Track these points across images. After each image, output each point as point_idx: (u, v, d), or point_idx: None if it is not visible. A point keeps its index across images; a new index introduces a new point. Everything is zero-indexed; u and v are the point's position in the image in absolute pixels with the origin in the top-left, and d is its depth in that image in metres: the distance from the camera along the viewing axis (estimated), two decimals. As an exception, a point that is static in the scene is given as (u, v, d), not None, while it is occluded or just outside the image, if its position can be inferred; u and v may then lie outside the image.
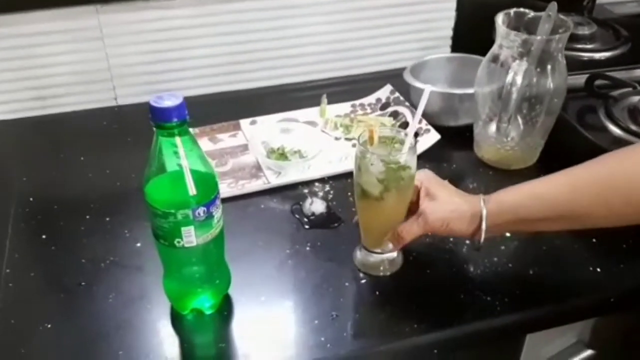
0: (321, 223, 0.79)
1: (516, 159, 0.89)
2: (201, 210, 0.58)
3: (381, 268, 0.72)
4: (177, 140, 0.55)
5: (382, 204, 0.66)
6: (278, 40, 1.08)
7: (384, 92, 1.05)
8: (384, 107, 1.03)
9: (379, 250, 0.71)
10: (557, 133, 0.88)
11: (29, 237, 0.77)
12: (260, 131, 0.95)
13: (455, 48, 1.19)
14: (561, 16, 0.82)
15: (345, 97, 1.07)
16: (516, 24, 0.84)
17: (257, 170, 0.88)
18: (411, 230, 0.67)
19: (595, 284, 0.71)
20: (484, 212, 0.64)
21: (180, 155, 0.56)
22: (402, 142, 0.67)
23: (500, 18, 0.83)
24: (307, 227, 0.79)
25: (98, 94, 1.04)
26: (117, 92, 1.04)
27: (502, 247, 0.75)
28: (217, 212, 0.60)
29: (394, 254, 0.72)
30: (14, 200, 0.83)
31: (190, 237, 0.58)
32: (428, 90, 0.68)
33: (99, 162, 0.91)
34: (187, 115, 0.55)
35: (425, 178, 0.68)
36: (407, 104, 1.00)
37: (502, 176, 0.89)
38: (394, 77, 1.04)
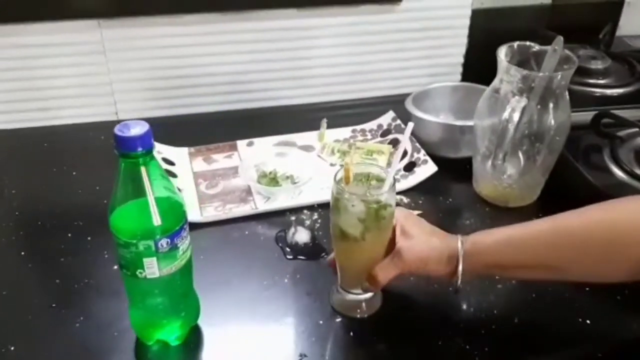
0: (304, 253, 0.77)
1: (514, 197, 0.85)
2: (164, 241, 0.56)
3: (358, 310, 0.69)
4: (142, 170, 0.54)
5: (361, 244, 0.63)
6: (282, 62, 1.06)
7: (386, 118, 1.03)
8: (385, 134, 1.01)
9: (356, 291, 0.68)
10: (559, 172, 0.84)
11: (7, 254, 0.76)
12: (255, 154, 0.93)
13: (466, 75, 1.16)
14: (567, 52, 0.78)
15: (348, 121, 1.05)
16: (521, 58, 0.81)
17: (246, 194, 0.86)
18: (387, 271, 0.64)
19: (582, 337, 0.67)
20: (461, 253, 0.62)
21: (145, 185, 0.54)
22: (378, 179, 0.64)
23: (502, 51, 0.80)
24: (289, 257, 0.77)
25: (99, 107, 1.03)
26: (117, 107, 1.04)
27: (488, 291, 0.72)
28: (183, 243, 0.58)
29: (371, 294, 0.69)
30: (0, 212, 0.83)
31: (153, 268, 0.57)
32: (410, 127, 0.66)
33: (90, 178, 0.90)
34: (153, 144, 0.53)
35: (401, 216, 0.66)
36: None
37: (500, 213, 0.85)
38: (400, 103, 1.01)
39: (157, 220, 0.55)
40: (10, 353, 0.62)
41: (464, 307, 0.70)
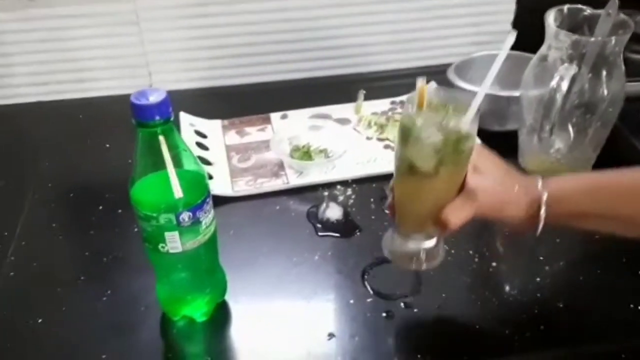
0: (336, 230, 0.74)
1: (563, 172, 0.79)
2: (186, 215, 0.54)
3: (415, 260, 0.60)
4: (161, 139, 0.51)
5: (433, 181, 0.53)
6: (319, 30, 1.03)
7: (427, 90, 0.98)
8: (426, 106, 0.96)
9: (418, 237, 0.59)
10: (612, 146, 0.78)
11: (39, 225, 0.76)
12: (289, 127, 0.90)
13: (515, 43, 1.09)
14: (622, 15, 0.72)
15: (386, 92, 1.00)
16: (571, 22, 0.75)
17: (279, 168, 0.84)
18: (461, 212, 0.54)
19: (633, 326, 0.62)
20: (544, 199, 0.55)
21: (165, 156, 0.52)
22: (456, 107, 0.55)
23: (551, 15, 0.74)
24: (320, 234, 0.74)
25: (134, 79, 1.02)
26: (152, 78, 1.03)
27: (534, 273, 0.67)
28: (206, 217, 0.56)
29: (433, 243, 0.59)
30: (32, 184, 0.83)
31: (175, 242, 0.55)
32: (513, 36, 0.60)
33: (123, 151, 0.87)
34: (171, 112, 0.51)
35: (474, 151, 0.55)
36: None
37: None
38: (443, 74, 0.96)
39: (178, 192, 0.53)
40: (38, 325, 0.62)
41: (506, 289, 0.66)
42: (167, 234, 0.54)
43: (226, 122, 0.94)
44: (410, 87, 1.02)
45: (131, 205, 0.55)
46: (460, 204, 0.54)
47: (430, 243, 0.59)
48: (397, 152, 0.55)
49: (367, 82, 1.04)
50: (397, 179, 0.57)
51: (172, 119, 0.51)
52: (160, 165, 0.52)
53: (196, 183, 0.55)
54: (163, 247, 0.55)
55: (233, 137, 0.91)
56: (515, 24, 1.06)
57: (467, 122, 0.52)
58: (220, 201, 0.77)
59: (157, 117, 0.50)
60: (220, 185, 0.80)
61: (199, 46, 1.01)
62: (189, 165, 0.55)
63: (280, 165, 0.84)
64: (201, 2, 0.97)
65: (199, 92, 1.03)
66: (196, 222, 0.55)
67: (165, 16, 0.98)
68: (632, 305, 0.63)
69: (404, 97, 0.99)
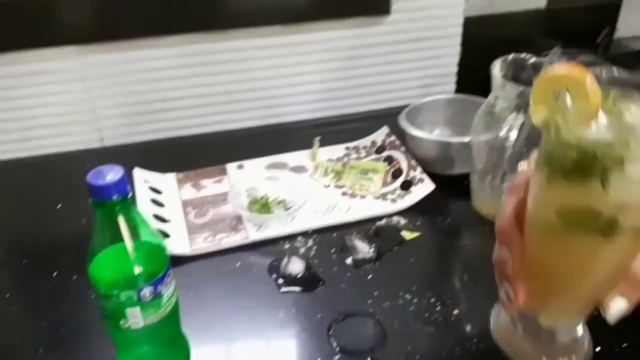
0: (299, 284, 0.74)
1: (516, 214, 0.82)
2: (147, 290, 0.53)
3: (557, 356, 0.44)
4: (120, 217, 0.51)
5: (623, 239, 0.37)
6: (270, 80, 1.04)
7: (380, 134, 1.00)
8: (379, 150, 0.97)
9: (562, 326, 0.44)
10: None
11: (-9, 296, 0.73)
12: (246, 177, 0.90)
13: (462, 85, 1.12)
14: (565, 62, 0.75)
15: (341, 137, 1.02)
16: (516, 71, 0.78)
17: (237, 222, 0.83)
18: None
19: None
20: None
21: (124, 233, 0.51)
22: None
23: (497, 66, 0.76)
24: (283, 289, 0.74)
25: (83, 135, 1.01)
26: (102, 134, 1.01)
27: (493, 320, 0.69)
28: (168, 289, 0.55)
29: (580, 331, 0.45)
30: (-18, 253, 0.80)
31: (137, 318, 0.54)
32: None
33: (76, 210, 0.87)
34: (129, 190, 0.50)
35: None
36: (402, 149, 0.94)
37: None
38: (394, 116, 0.98)
39: (137, 268, 0.52)
40: (-8, 409, 0.60)
41: (469, 335, 0.67)
42: (128, 311, 0.53)
43: (181, 175, 0.93)
44: (365, 131, 1.04)
45: (89, 282, 0.54)
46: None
47: (577, 332, 0.45)
48: (540, 199, 0.39)
49: (321, 127, 1.06)
50: (545, 241, 0.40)
51: (129, 195, 0.51)
52: (118, 241, 0.51)
53: (156, 256, 0.54)
54: (124, 323, 0.54)
55: (189, 191, 0.90)
56: (461, 67, 1.10)
57: None
58: (178, 260, 0.76)
59: (115, 196, 0.49)
60: (178, 244, 0.79)
61: (148, 99, 1.00)
62: (148, 237, 0.54)
63: (239, 219, 0.84)
64: (147, 56, 0.96)
65: (153, 145, 1.02)
66: (158, 296, 0.54)
67: (112, 72, 0.97)
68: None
69: (358, 142, 1.00)
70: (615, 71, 0.38)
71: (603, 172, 0.34)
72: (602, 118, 0.36)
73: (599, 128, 0.35)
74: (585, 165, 0.35)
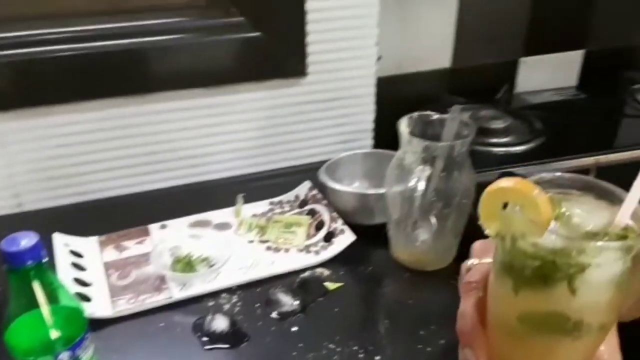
0: (224, 341, 0.75)
1: (431, 260, 0.87)
2: (65, 355, 0.53)
3: None
4: (35, 283, 0.51)
5: (577, 338, 0.38)
6: (192, 140, 1.06)
7: (303, 188, 1.03)
8: (302, 204, 1.01)
9: None
10: (471, 232, 0.86)
11: None
12: (169, 237, 0.91)
13: (379, 140, 1.18)
14: (465, 119, 0.82)
15: (265, 193, 1.04)
16: (422, 127, 0.84)
17: (160, 282, 0.83)
18: None
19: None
20: None
21: (39, 299, 0.51)
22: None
23: (404, 123, 0.82)
24: (207, 347, 0.74)
25: (1, 200, 0.99)
26: (21, 199, 1.00)
27: (416, 358, 0.72)
28: (86, 353, 0.55)
29: None
30: None
31: (55, 384, 0.53)
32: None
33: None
34: (43, 255, 0.51)
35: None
36: (324, 202, 0.98)
37: (418, 278, 0.86)
38: (316, 170, 1.01)
39: (55, 333, 0.52)
40: None
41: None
42: (45, 377, 0.52)
43: (103, 237, 0.92)
44: (288, 186, 1.07)
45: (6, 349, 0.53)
46: None
47: None
48: (500, 307, 0.40)
49: (245, 184, 1.08)
50: (509, 342, 0.41)
51: (45, 260, 0.51)
52: (34, 307, 0.51)
53: (74, 320, 0.54)
54: (42, 390, 0.53)
55: (111, 254, 0.89)
56: (377, 123, 1.16)
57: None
58: (100, 324, 0.75)
59: (29, 262, 0.49)
60: (100, 307, 0.78)
61: (70, 163, 1.00)
62: (66, 301, 0.54)
63: (162, 279, 0.84)
64: (67, 121, 0.97)
65: (74, 208, 1.01)
66: (76, 360, 0.54)
67: (31, 137, 0.96)
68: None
69: (281, 197, 1.03)
70: (548, 174, 0.41)
71: (569, 278, 0.35)
72: (553, 225, 0.37)
73: (552, 235, 0.36)
74: (548, 273, 0.36)
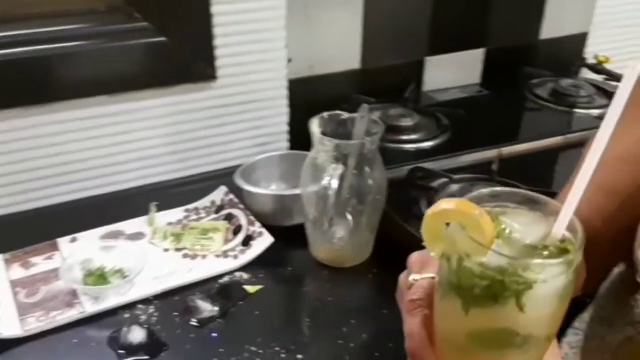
0: (141, 353, 0.73)
1: (349, 257, 0.88)
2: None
3: None
4: None
5: (525, 350, 0.40)
6: (100, 149, 1.02)
7: (218, 193, 1.02)
8: (219, 209, 0.99)
9: None
10: (385, 227, 0.89)
11: None
12: (79, 251, 0.87)
13: (295, 141, 1.19)
14: (373, 117, 0.84)
15: (180, 200, 1.02)
16: (334, 126, 0.85)
17: (72, 297, 0.80)
18: None
19: None
20: None
21: None
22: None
23: (315, 123, 0.83)
24: (124, 360, 0.72)
25: None
26: None
27: (339, 354, 0.72)
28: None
29: None
30: None
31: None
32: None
33: None
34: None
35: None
36: (241, 206, 0.97)
37: (338, 274, 0.87)
38: (232, 175, 1.00)
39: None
40: None
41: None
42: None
43: (8, 255, 0.88)
44: (203, 192, 1.06)
45: None
46: None
47: None
48: (445, 325, 0.41)
49: (159, 192, 1.05)
50: (458, 358, 0.42)
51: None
52: None
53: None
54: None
55: (17, 271, 0.85)
56: (291, 125, 1.16)
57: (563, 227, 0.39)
58: (8, 344, 0.71)
59: None
60: (8, 326, 0.74)
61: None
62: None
63: (74, 294, 0.80)
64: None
65: (-26, 226, 0.96)
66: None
67: None
68: None
69: (197, 204, 1.01)
70: (486, 190, 0.42)
71: (517, 295, 0.36)
72: (496, 244, 0.38)
73: (496, 254, 0.37)
74: (497, 291, 0.36)
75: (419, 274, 0.46)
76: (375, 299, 0.85)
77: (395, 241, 0.89)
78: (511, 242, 0.39)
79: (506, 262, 0.36)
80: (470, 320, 0.38)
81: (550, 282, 0.36)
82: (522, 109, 1.25)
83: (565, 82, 1.25)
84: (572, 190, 0.38)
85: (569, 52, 1.38)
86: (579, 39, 1.41)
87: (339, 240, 0.85)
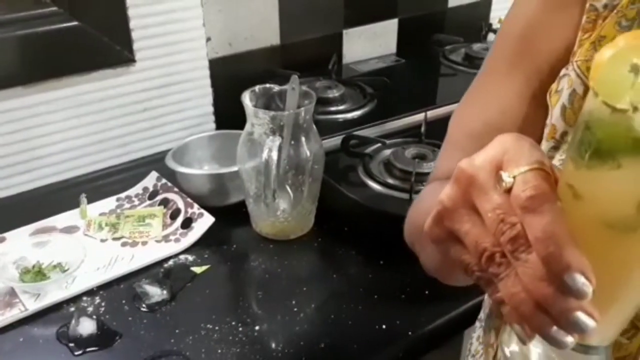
0: (94, 344, 0.71)
1: (293, 228, 0.89)
2: None
3: None
4: None
5: None
6: (21, 143, 0.97)
7: (150, 180, 1.00)
8: (153, 195, 0.97)
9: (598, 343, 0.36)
10: (326, 196, 0.90)
11: None
12: (10, 250, 0.83)
13: (221, 122, 1.17)
14: (305, 88, 0.85)
15: (110, 191, 0.99)
16: (265, 100, 0.86)
17: (11, 297, 0.76)
18: None
19: (384, 342, 0.72)
20: None
21: None
22: None
23: (247, 96, 0.83)
24: (77, 353, 0.69)
25: None
26: None
27: (291, 324, 0.74)
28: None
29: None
30: None
31: None
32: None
33: None
34: None
35: None
36: (175, 189, 0.95)
37: (283, 247, 0.88)
38: (162, 161, 0.98)
39: None
40: None
41: (273, 347, 0.71)
42: None
43: None
44: (134, 180, 1.03)
45: None
46: None
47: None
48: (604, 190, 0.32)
49: (87, 184, 1.02)
50: (620, 242, 0.33)
51: None
52: None
53: None
54: None
55: (-57, 278, 0.80)
56: (216, 106, 1.15)
57: None
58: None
59: None
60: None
61: None
62: None
63: (12, 293, 0.77)
64: None
65: None
66: None
67: None
68: (377, 326, 0.73)
69: (129, 192, 0.99)
70: None
71: None
72: None
73: None
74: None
75: (510, 172, 0.34)
76: (323, 266, 0.87)
77: (336, 208, 0.91)
78: None
79: None
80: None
81: None
82: (439, 74, 1.30)
83: (477, 46, 1.30)
84: None
85: (477, 18, 1.44)
86: (485, 5, 1.48)
87: (282, 212, 0.86)
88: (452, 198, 0.35)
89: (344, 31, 1.27)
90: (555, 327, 0.31)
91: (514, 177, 0.33)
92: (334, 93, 1.09)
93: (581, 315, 0.31)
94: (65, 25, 0.96)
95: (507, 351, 0.38)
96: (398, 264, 0.83)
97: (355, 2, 1.26)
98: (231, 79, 1.11)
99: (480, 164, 0.35)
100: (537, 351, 0.37)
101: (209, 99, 1.15)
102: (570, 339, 0.32)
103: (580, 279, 0.30)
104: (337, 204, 0.90)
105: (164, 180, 0.98)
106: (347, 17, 1.26)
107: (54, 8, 0.96)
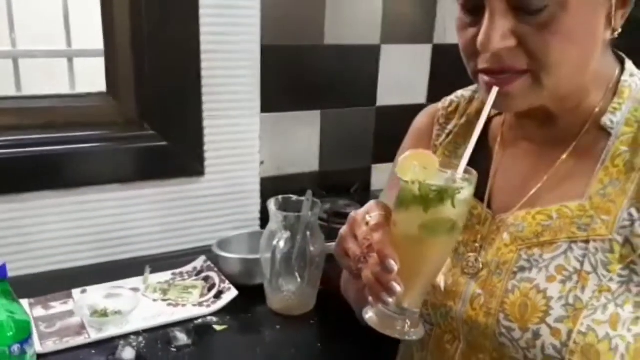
0: (132, 367, 0.97)
1: (297, 306, 1.14)
2: (16, 346, 0.75)
3: (403, 326, 0.68)
4: (-1, 292, 0.75)
5: (451, 235, 0.67)
6: (114, 224, 1.32)
7: (199, 262, 1.29)
8: (199, 273, 1.26)
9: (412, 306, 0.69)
10: (326, 284, 1.15)
11: None
12: (88, 298, 1.13)
13: (264, 224, 1.47)
14: (315, 200, 1.13)
15: (169, 266, 1.29)
16: (285, 206, 1.15)
17: (81, 328, 1.05)
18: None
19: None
20: None
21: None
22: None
23: (272, 202, 1.12)
24: (118, 373, 0.96)
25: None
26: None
27: None
28: (30, 349, 0.78)
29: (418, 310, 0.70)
30: None
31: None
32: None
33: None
34: (6, 275, 0.75)
35: None
36: (215, 269, 1.24)
37: (288, 321, 1.12)
38: (210, 251, 1.28)
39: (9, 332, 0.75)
40: None
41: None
42: (3, 361, 0.75)
43: (32, 300, 1.14)
44: (188, 262, 1.32)
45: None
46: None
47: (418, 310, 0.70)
48: (411, 219, 0.65)
49: (152, 262, 1.33)
50: (409, 246, 0.66)
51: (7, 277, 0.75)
52: (-2, 311, 0.75)
53: (23, 326, 0.77)
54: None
55: (39, 311, 1.10)
56: (263, 212, 1.46)
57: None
58: None
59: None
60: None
61: (8, 243, 1.23)
62: (18, 312, 0.77)
63: (82, 326, 1.06)
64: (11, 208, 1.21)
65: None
66: (23, 352, 0.76)
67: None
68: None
69: (182, 269, 1.28)
70: None
71: (452, 197, 0.63)
72: (450, 172, 0.67)
73: (439, 179, 0.65)
74: (442, 197, 0.63)
75: (369, 216, 0.69)
76: (318, 340, 1.09)
77: (333, 295, 1.15)
78: (442, 175, 0.67)
79: (444, 181, 0.65)
80: (426, 216, 0.64)
81: (465, 190, 0.65)
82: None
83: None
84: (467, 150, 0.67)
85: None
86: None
87: (290, 293, 1.12)
88: (345, 231, 0.74)
89: (373, 165, 1.58)
90: (383, 292, 0.64)
91: (371, 217, 0.69)
92: (350, 209, 1.37)
93: (393, 283, 0.64)
94: (157, 144, 1.33)
95: (366, 317, 0.69)
96: (389, 344, 0.95)
97: (384, 142, 1.58)
98: (276, 193, 1.43)
99: (359, 213, 0.72)
100: (380, 313, 0.68)
101: (257, 207, 1.46)
102: (390, 300, 0.65)
103: (391, 262, 0.64)
104: (334, 291, 1.14)
105: (209, 263, 1.28)
106: (375, 154, 1.57)
107: (152, 132, 1.33)
